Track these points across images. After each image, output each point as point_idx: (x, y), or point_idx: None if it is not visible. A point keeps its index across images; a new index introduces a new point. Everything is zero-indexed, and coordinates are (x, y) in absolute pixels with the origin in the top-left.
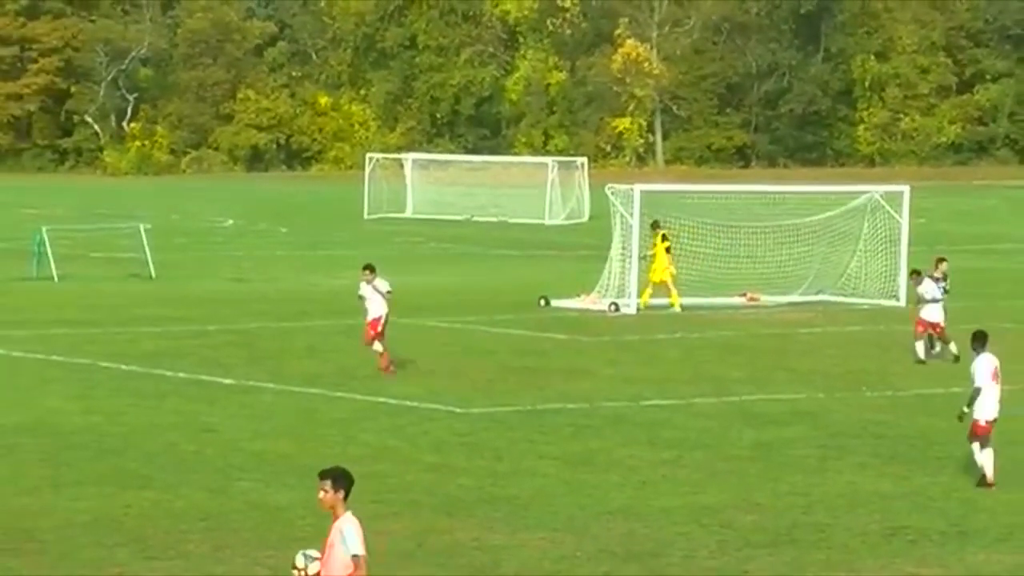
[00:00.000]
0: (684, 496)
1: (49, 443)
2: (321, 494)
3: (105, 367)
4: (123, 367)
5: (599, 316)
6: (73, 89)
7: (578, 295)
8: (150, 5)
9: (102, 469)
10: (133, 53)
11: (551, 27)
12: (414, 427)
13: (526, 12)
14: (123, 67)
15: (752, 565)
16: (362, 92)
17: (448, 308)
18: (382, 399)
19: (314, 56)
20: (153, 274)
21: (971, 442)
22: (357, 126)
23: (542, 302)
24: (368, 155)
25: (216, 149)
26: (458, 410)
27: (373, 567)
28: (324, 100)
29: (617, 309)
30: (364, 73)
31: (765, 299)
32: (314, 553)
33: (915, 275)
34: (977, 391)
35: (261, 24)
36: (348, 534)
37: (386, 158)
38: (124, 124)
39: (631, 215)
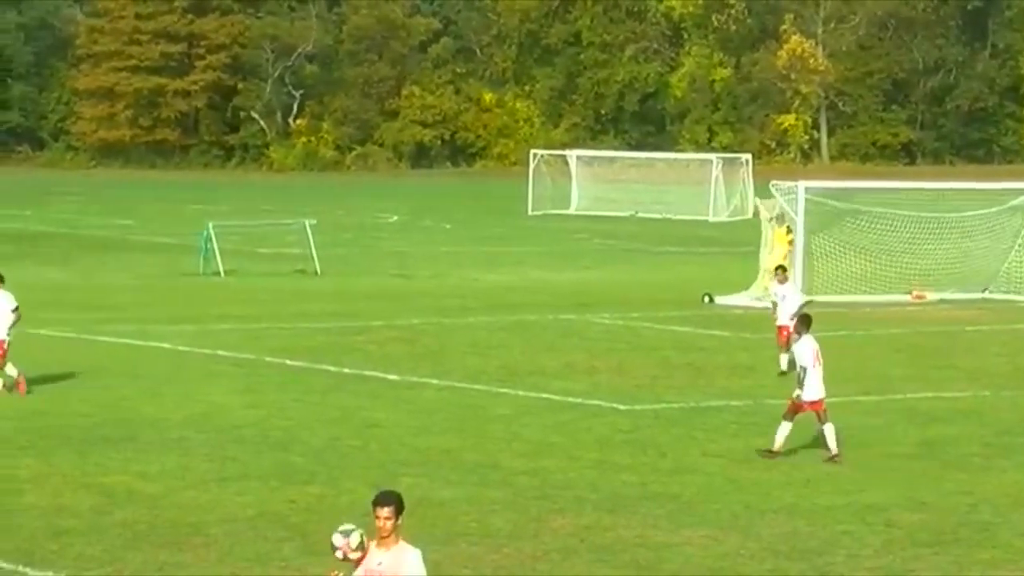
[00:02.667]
0: (848, 494)
1: (215, 437)
2: (382, 521)
3: (270, 362)
4: (288, 362)
5: (763, 313)
6: (240, 86)
7: (741, 291)
8: (316, 2)
9: (267, 464)
10: (299, 50)
11: (716, 23)
12: (577, 423)
13: (691, 8)
14: (289, 64)
15: (917, 564)
16: (526, 88)
17: (612, 304)
18: (545, 395)
19: (479, 52)
20: (318, 270)
21: (784, 419)
22: (521, 122)
23: (706, 299)
24: (532, 151)
25: (381, 145)
26: (621, 407)
27: (537, 562)
28: (488, 96)
29: None
30: (529, 69)
31: (931, 296)
32: (349, 526)
33: None
34: (803, 371)
35: (426, 20)
36: (417, 565)
37: (550, 154)
38: (290, 120)
39: (795, 212)
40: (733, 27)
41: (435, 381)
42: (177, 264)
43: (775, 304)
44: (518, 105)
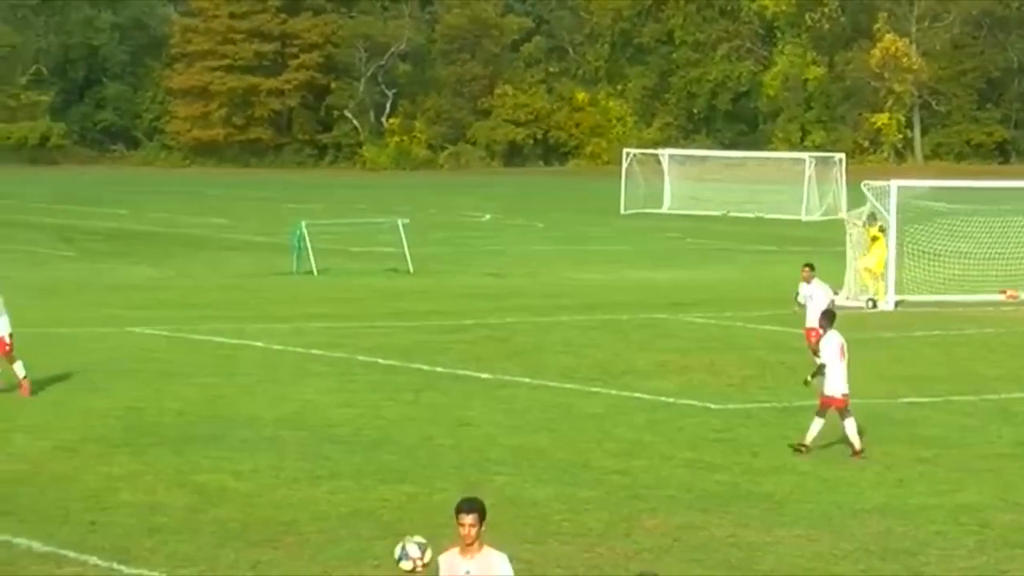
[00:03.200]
0: (942, 495)
1: (308, 436)
2: (466, 529)
3: (363, 361)
4: (381, 361)
5: (856, 312)
6: (333, 85)
7: (835, 292)
8: (409, 1)
9: (360, 462)
10: (392, 49)
11: (809, 21)
12: (670, 423)
13: (784, 7)
14: (382, 63)
15: (1011, 565)
16: (619, 87)
17: (704, 303)
18: (638, 394)
19: (571, 51)
20: (411, 268)
21: (816, 415)
22: (614, 121)
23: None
24: (625, 150)
25: (474, 144)
26: (714, 406)
27: (630, 561)
28: (581, 96)
29: (874, 305)
30: (621, 68)
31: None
32: (423, 540)
33: None
34: (822, 367)
35: (518, 19)
36: (506, 569)
37: (643, 153)
38: (383, 119)
39: (887, 211)
40: (826, 26)
41: (527, 380)
42: (270, 263)
43: (802, 305)
44: (611, 104)
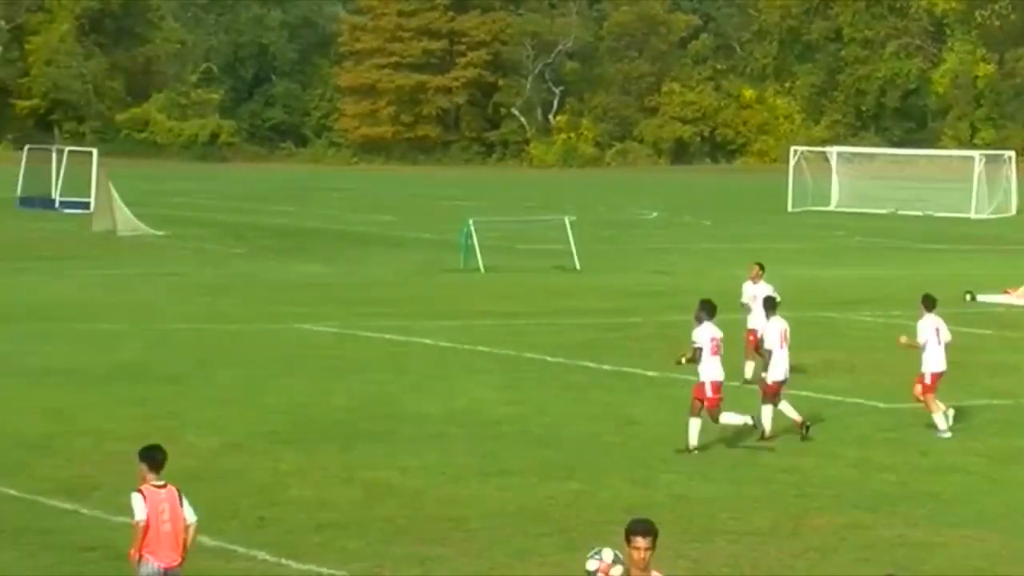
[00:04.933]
0: None
1: (475, 433)
2: (641, 552)
3: (530, 358)
4: (548, 358)
5: None
6: (500, 82)
7: (1004, 291)
8: None
9: (527, 459)
10: (559, 46)
11: (979, 19)
12: (837, 421)
13: (953, 4)
14: (549, 60)
15: None
16: (787, 85)
17: (872, 302)
18: (805, 393)
19: (738, 49)
20: (578, 266)
21: (763, 403)
22: (782, 119)
23: (968, 297)
24: (792, 148)
25: (641, 142)
26: (882, 405)
27: (796, 560)
28: (749, 93)
29: None
30: (789, 66)
31: None
32: (617, 553)
33: None
34: (768, 353)
35: (686, 17)
36: None
37: (810, 151)
38: (550, 117)
39: None
40: (997, 23)
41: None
42: (438, 260)
43: (746, 305)
44: (778, 102)
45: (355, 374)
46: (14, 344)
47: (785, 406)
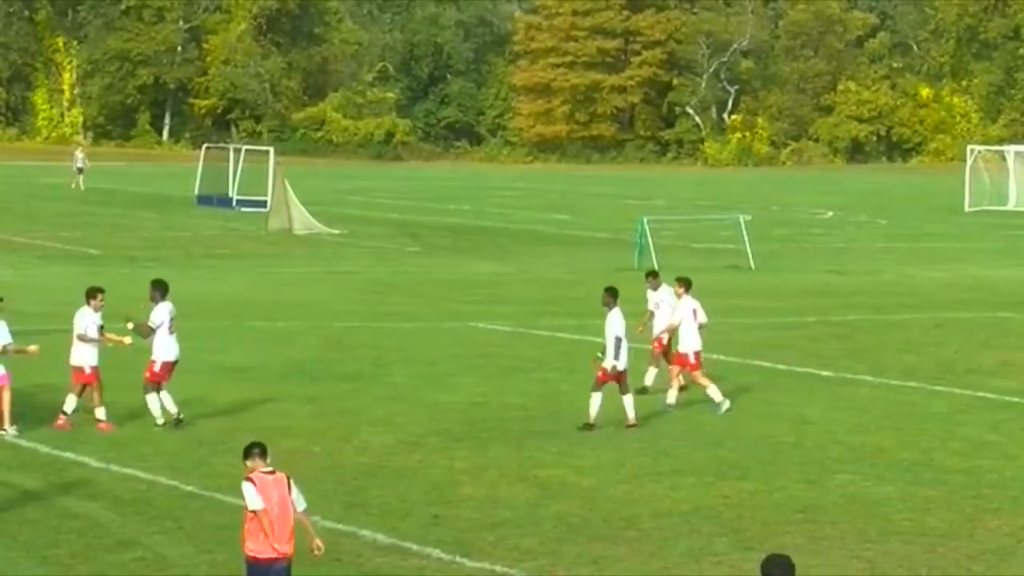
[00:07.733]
0: None
1: (648, 432)
2: None
3: (704, 357)
4: (721, 358)
5: None
6: (675, 81)
7: None
8: None
9: (700, 459)
10: (735, 45)
11: None
12: (1015, 422)
13: None
14: (724, 59)
15: None
16: (963, 83)
17: None
18: (981, 393)
19: (915, 47)
20: (752, 265)
21: (592, 390)
22: (958, 118)
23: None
24: (969, 147)
25: (816, 141)
26: None
27: (972, 563)
28: (925, 92)
29: None
30: (966, 64)
31: None
32: None
33: None
34: (619, 341)
35: (862, 16)
36: None
37: (988, 150)
38: (725, 116)
39: None
40: None
41: (869, 378)
42: (613, 258)
43: (652, 313)
44: (955, 100)
45: (528, 372)
46: (192, 341)
47: (627, 402)
